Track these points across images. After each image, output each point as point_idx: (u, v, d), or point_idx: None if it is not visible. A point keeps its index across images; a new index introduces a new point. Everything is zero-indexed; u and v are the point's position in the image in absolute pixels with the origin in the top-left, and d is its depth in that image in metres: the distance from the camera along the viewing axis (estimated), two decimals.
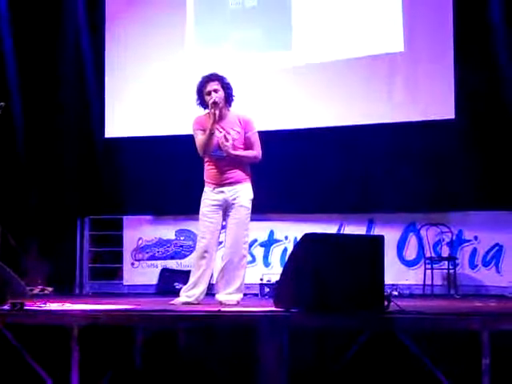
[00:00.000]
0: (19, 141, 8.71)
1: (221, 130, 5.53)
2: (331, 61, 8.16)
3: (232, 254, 5.52)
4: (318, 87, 8.21)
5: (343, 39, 8.13)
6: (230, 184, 5.56)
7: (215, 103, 5.46)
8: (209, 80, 5.57)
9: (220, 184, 5.56)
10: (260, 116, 8.11)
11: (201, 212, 5.61)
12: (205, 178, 5.66)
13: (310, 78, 8.23)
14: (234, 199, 5.55)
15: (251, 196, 5.62)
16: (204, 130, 5.53)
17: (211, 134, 5.47)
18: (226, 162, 5.55)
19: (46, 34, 8.74)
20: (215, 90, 5.52)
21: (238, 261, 5.52)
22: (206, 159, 5.64)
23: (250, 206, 5.60)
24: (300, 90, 8.26)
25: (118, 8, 8.91)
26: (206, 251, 5.54)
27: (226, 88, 5.58)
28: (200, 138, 5.56)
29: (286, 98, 8.29)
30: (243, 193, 5.57)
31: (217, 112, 5.46)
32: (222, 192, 5.56)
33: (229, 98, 5.61)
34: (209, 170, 5.63)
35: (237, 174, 5.57)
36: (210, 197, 5.59)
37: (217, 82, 5.55)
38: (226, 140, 5.48)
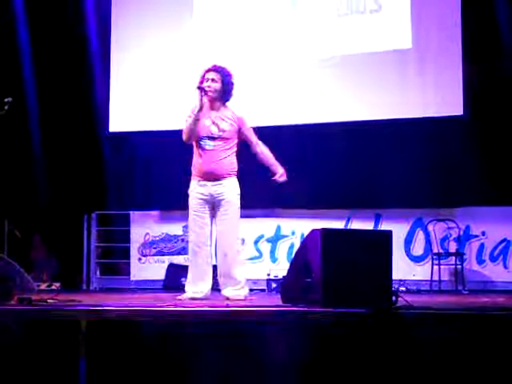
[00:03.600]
0: (28, 138, 8.71)
1: (214, 119, 5.46)
2: (340, 55, 8.15)
3: (225, 252, 5.44)
4: (326, 83, 8.20)
5: (352, 36, 8.11)
6: (215, 179, 5.46)
7: (199, 88, 5.40)
8: (211, 69, 5.54)
9: (205, 178, 5.47)
10: (267, 111, 8.16)
11: (189, 205, 5.56)
12: (192, 170, 5.58)
13: (318, 74, 8.22)
14: (220, 194, 5.46)
15: (238, 191, 5.52)
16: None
17: (196, 120, 5.40)
18: (212, 155, 5.45)
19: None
20: (212, 80, 5.48)
21: (232, 257, 5.45)
22: (194, 151, 5.55)
23: (237, 201, 5.50)
24: (307, 85, 8.23)
25: None
26: (196, 245, 5.49)
27: (225, 83, 5.51)
28: (185, 124, 5.50)
29: (291, 93, 8.26)
30: (228, 188, 5.47)
31: (204, 100, 5.40)
32: (206, 186, 5.46)
33: (225, 94, 5.54)
34: (195, 163, 5.55)
35: (222, 168, 5.46)
36: (196, 190, 5.51)
37: (217, 74, 5.50)
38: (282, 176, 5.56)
